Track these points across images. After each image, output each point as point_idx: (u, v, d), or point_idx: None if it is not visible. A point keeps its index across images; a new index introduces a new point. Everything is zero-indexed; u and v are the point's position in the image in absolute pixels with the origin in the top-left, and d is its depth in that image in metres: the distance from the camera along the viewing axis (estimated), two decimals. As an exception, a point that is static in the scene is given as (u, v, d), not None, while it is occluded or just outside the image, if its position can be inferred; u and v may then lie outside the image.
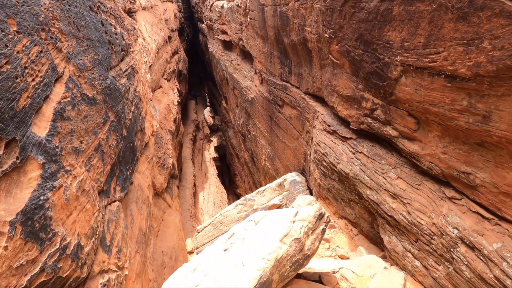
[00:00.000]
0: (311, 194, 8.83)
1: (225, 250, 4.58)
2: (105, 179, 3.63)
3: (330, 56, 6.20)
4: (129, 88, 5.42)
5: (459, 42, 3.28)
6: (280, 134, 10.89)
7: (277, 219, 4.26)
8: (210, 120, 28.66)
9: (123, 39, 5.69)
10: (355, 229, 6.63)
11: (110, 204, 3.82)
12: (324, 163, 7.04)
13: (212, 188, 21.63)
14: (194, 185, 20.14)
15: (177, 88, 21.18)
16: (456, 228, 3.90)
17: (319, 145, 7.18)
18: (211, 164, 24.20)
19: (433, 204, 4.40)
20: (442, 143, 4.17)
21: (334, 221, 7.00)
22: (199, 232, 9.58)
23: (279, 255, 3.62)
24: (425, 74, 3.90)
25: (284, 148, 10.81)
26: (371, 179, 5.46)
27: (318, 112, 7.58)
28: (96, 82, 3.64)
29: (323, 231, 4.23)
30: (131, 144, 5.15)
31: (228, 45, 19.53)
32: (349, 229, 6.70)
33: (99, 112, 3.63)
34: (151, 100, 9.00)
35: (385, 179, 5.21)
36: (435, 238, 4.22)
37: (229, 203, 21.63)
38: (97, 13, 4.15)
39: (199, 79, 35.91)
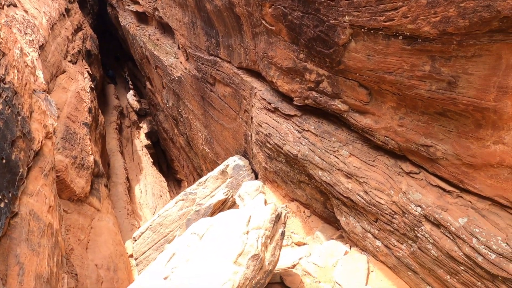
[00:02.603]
0: (256, 177, 8.22)
1: (165, 278, 3.61)
2: None
3: (263, 22, 5.29)
4: (-12, 79, 3.72)
5: (422, -7, 2.69)
6: (216, 115, 9.85)
7: (226, 231, 3.43)
8: (135, 104, 25.63)
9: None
10: (308, 210, 6.26)
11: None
12: (268, 145, 6.36)
13: (149, 179, 19.73)
14: (127, 178, 18.02)
15: (88, 72, 17.96)
16: (419, 206, 3.62)
17: (261, 126, 6.43)
18: (144, 153, 21.93)
19: (391, 180, 4.09)
20: (397, 115, 3.76)
21: (286, 205, 6.53)
22: (136, 240, 8.27)
23: (236, 283, 2.82)
24: (380, 36, 3.30)
25: (222, 130, 9.86)
26: (322, 159, 4.97)
27: (255, 88, 6.74)
28: None
29: (283, 234, 3.57)
30: (3, 161, 3.59)
31: (143, 17, 16.93)
32: (302, 212, 6.31)
33: None
34: (44, 91, 6.94)
35: (337, 158, 4.76)
36: (396, 217, 3.94)
37: (170, 191, 20.10)
38: None
39: (116, 59, 31.44)
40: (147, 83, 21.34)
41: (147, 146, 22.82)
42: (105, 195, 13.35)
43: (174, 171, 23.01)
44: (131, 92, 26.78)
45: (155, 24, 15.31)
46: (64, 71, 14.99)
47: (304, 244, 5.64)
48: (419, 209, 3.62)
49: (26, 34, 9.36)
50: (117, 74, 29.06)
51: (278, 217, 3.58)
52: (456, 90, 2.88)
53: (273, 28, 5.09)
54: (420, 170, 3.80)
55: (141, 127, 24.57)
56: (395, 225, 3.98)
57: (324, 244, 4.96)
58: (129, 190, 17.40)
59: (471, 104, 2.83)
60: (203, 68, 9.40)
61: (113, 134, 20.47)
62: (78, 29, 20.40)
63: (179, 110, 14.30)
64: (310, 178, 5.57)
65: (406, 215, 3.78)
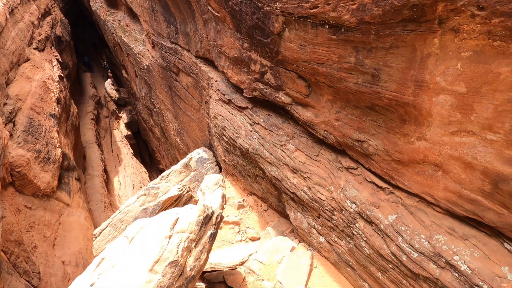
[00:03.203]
0: (220, 170, 8.04)
1: (91, 285, 3.43)
2: None
3: (210, 8, 4.97)
4: None
5: (339, -22, 2.46)
6: (183, 106, 9.53)
7: (153, 234, 3.25)
8: (114, 94, 24.65)
9: None
10: (265, 204, 6.14)
11: None
12: (224, 138, 6.15)
13: (128, 170, 19.25)
14: (105, 171, 17.54)
15: (58, 60, 17.10)
16: (354, 203, 3.51)
17: (217, 118, 6.19)
18: (124, 144, 21.31)
19: (331, 175, 3.96)
20: (334, 109, 3.58)
21: (243, 200, 6.39)
22: (96, 237, 8.03)
23: (146, 293, 2.66)
24: (309, 25, 3.08)
25: (189, 121, 9.57)
26: (271, 154, 4.80)
27: (212, 78, 6.45)
28: None
29: (213, 236, 3.41)
30: None
31: (112, 1, 16.11)
32: (259, 206, 6.19)
33: None
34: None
35: (284, 152, 4.60)
36: (336, 213, 3.83)
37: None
38: None
39: (93, 46, 30.07)
40: (123, 71, 20.60)
41: (127, 137, 22.17)
42: (76, 189, 12.94)
43: (156, 161, 22.57)
44: (109, 80, 25.78)
45: (124, 9, 14.59)
46: (28, 59, 14.22)
47: (258, 239, 5.54)
48: (354, 205, 3.51)
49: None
50: (95, 62, 27.94)
51: (207, 218, 3.40)
52: (380, 83, 2.71)
53: (218, 14, 4.79)
54: (358, 166, 3.68)
55: (121, 117, 23.78)
56: (334, 221, 3.88)
57: (272, 240, 4.86)
58: (108, 182, 16.99)
59: (394, 98, 2.67)
60: (167, 56, 9.00)
61: (89, 125, 19.80)
62: (46, 13, 19.30)
63: (152, 100, 13.87)
64: (264, 172, 5.41)
65: (343, 212, 3.67)
